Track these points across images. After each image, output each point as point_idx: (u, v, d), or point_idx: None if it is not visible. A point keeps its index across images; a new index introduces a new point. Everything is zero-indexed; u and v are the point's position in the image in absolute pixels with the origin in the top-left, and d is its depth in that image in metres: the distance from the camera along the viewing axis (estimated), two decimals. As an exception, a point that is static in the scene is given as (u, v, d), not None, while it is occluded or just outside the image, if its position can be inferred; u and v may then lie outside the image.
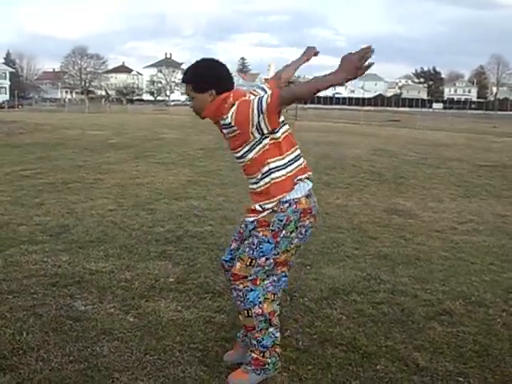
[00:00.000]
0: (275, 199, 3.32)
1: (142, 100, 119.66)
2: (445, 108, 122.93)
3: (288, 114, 53.26)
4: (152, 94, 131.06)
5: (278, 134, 3.32)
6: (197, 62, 3.48)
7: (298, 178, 3.37)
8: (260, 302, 3.39)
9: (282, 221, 3.31)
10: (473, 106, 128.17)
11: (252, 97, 3.37)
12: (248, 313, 3.40)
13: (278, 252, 3.37)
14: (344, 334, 4.18)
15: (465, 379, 3.59)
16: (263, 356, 3.45)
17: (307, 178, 3.45)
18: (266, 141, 3.29)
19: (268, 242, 3.33)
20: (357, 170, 14.04)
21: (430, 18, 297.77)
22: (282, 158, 3.35)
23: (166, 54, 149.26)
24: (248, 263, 3.36)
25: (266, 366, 3.46)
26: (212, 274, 5.41)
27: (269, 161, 3.32)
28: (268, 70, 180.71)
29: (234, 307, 4.55)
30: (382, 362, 3.78)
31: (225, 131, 3.37)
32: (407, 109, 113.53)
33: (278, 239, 3.33)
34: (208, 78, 3.40)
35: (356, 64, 2.87)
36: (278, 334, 3.52)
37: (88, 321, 4.26)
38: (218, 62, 3.49)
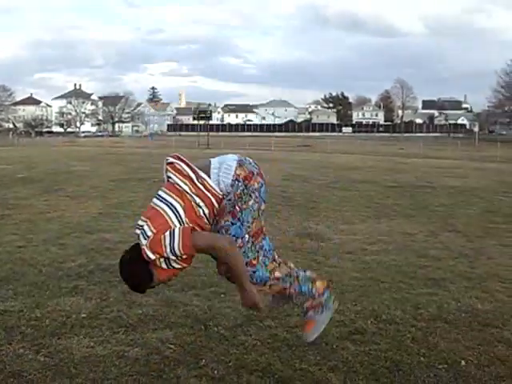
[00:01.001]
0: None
1: (51, 132, 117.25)
2: (354, 132, 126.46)
3: (200, 141, 53.42)
4: (62, 125, 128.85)
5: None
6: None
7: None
8: (268, 276, 3.52)
9: (230, 200, 3.38)
10: (380, 128, 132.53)
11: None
12: (269, 287, 3.56)
13: (248, 226, 3.41)
14: (259, 360, 4.20)
15: (377, 396, 3.67)
16: (313, 298, 3.66)
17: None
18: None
19: (231, 223, 3.38)
20: (269, 196, 14.14)
21: (337, 44, 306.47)
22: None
23: (75, 84, 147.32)
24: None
25: (323, 302, 3.69)
26: (125, 308, 5.32)
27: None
28: (179, 98, 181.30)
29: (147, 340, 4.53)
30: (297, 385, 3.81)
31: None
32: (318, 133, 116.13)
33: (238, 215, 3.38)
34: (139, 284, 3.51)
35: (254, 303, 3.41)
36: (307, 273, 3.81)
37: (-4, 363, 4.12)
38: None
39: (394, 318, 5.20)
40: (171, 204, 3.36)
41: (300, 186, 16.62)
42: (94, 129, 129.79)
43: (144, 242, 3.30)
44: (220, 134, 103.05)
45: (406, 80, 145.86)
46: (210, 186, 3.39)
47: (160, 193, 3.50)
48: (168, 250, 3.22)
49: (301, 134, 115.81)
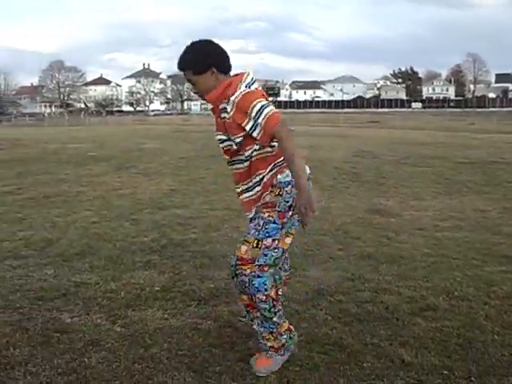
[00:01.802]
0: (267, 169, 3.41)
1: (121, 111, 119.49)
2: (424, 107, 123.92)
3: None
4: (131, 104, 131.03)
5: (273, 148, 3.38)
6: (189, 47, 3.46)
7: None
8: (265, 289, 3.39)
9: (288, 202, 3.35)
10: (451, 104, 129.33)
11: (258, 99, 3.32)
12: (252, 298, 3.43)
13: (282, 234, 3.40)
14: (330, 334, 4.22)
15: (449, 372, 3.64)
16: (276, 338, 3.52)
17: None
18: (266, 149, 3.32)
19: (274, 222, 3.35)
20: (338, 172, 14.12)
21: (406, 18, 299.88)
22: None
23: (143, 64, 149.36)
24: (254, 245, 3.36)
25: (285, 343, 3.54)
26: (197, 282, 5.42)
27: (260, 171, 3.39)
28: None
29: (220, 313, 4.62)
30: (368, 359, 3.82)
31: (222, 115, 3.38)
32: (387, 109, 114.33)
33: (285, 220, 3.36)
34: (205, 56, 3.40)
35: (308, 204, 3.16)
36: (282, 316, 3.58)
37: (75, 333, 4.27)
38: (208, 40, 3.51)
39: (466, 295, 5.12)
40: None
41: (369, 162, 16.47)
42: (162, 107, 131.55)
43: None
44: (288, 110, 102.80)
45: (479, 53, 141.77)
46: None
47: None
48: (251, 120, 3.25)
49: (369, 109, 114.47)
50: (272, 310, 3.45)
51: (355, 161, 16.92)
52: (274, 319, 3.49)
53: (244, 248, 3.40)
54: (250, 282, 3.37)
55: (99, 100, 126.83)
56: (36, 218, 8.57)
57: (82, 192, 11.17)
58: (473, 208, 9.40)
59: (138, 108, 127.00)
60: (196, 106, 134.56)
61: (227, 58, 3.49)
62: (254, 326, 3.64)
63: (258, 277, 3.37)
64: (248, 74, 3.49)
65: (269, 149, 3.40)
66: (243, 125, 3.26)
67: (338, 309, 4.74)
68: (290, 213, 3.37)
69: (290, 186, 3.35)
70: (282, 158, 3.35)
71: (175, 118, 73.81)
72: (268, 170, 3.42)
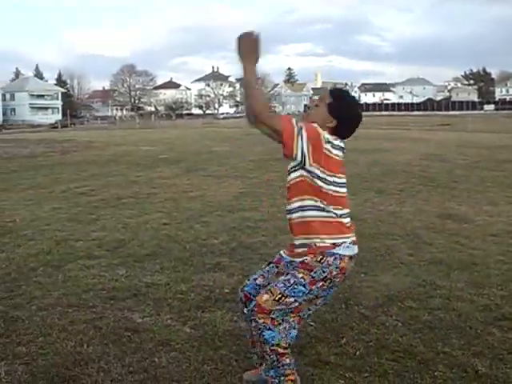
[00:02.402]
0: (315, 236, 3.29)
1: (191, 114, 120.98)
2: (497, 109, 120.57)
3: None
4: (201, 107, 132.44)
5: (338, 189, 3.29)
6: (350, 98, 3.51)
7: (349, 237, 3.38)
8: (273, 345, 3.30)
9: (324, 272, 3.27)
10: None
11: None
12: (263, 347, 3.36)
13: (305, 299, 3.31)
14: (400, 341, 4.16)
15: (526, 384, 3.54)
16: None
17: (354, 242, 3.42)
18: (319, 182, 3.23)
19: (304, 286, 3.27)
20: (408, 176, 13.91)
21: (477, 18, 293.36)
22: (325, 207, 3.29)
23: (213, 67, 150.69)
24: (277, 298, 3.27)
25: None
26: (266, 284, 5.43)
27: (307, 197, 3.30)
28: (315, 79, 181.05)
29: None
30: (440, 368, 3.75)
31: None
32: (457, 112, 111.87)
33: (313, 287, 3.28)
34: (349, 114, 3.40)
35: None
36: (291, 366, 3.42)
37: (146, 332, 4.35)
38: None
39: (543, 304, 4.97)
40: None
41: (440, 166, 16.16)
42: (232, 110, 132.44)
43: None
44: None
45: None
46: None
47: None
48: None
49: (440, 112, 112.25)
50: (275, 363, 3.36)
51: (425, 164, 16.63)
52: (279, 371, 3.39)
53: (265, 297, 3.30)
54: (261, 332, 3.31)
55: (169, 103, 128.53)
56: (108, 218, 8.77)
57: (153, 194, 11.37)
58: (550, 214, 9.11)
59: (208, 111, 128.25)
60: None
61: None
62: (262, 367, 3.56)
63: (269, 329, 3.29)
64: None
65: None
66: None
67: (408, 315, 4.67)
68: (321, 283, 3.29)
69: (332, 258, 3.27)
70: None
71: (244, 121, 74.19)
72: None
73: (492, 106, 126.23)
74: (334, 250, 3.27)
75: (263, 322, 3.28)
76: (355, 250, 3.41)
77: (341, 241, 3.30)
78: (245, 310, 3.55)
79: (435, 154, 20.28)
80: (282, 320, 3.32)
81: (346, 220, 3.36)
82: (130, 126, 60.70)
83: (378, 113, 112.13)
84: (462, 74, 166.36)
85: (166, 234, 7.67)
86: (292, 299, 3.27)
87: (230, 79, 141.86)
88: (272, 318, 3.28)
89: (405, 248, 6.86)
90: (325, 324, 4.48)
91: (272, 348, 3.30)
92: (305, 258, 3.30)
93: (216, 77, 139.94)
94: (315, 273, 3.26)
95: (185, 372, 3.71)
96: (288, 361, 3.36)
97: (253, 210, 9.45)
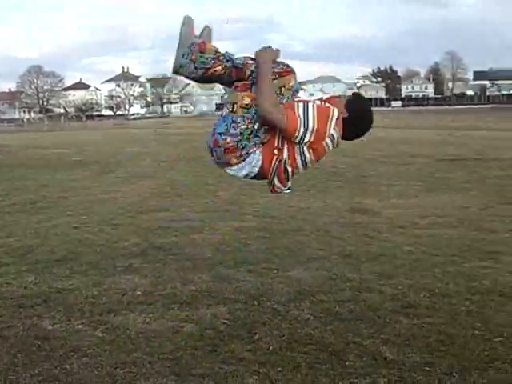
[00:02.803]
0: None
1: (101, 115, 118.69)
2: (403, 105, 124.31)
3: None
4: (111, 108, 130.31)
5: None
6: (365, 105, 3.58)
7: None
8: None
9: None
10: (430, 101, 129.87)
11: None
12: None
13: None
14: (312, 334, 4.23)
15: (431, 368, 3.67)
16: None
17: None
18: None
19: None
20: (319, 172, 14.09)
21: (384, 18, 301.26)
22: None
23: (123, 67, 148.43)
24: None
25: None
26: (179, 285, 5.42)
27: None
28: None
29: (202, 316, 4.62)
30: (351, 358, 3.84)
31: None
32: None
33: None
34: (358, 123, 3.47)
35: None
36: None
37: (56, 339, 4.24)
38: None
39: (447, 291, 5.17)
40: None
41: (350, 161, 16.50)
42: (143, 111, 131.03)
43: None
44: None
45: (456, 51, 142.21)
46: None
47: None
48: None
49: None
50: None
51: (335, 160, 16.89)
52: None
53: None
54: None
55: (79, 105, 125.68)
56: (17, 224, 8.50)
57: (64, 197, 11.09)
58: (453, 205, 9.47)
59: (118, 112, 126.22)
60: (176, 108, 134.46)
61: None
62: None
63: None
64: None
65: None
66: None
67: (320, 308, 4.76)
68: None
69: None
70: None
71: (155, 121, 73.61)
72: None
73: (399, 103, 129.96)
74: None
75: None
76: None
77: None
78: None
79: (345, 149, 20.57)
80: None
81: None
82: (39, 129, 59.01)
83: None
84: (371, 71, 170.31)
85: (76, 238, 7.50)
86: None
87: (141, 79, 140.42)
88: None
89: (315, 243, 6.97)
90: (237, 321, 4.50)
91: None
92: None
93: (126, 77, 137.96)
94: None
95: (97, 377, 3.65)
96: None
97: (164, 210, 9.37)
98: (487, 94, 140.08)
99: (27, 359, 3.92)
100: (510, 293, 5.11)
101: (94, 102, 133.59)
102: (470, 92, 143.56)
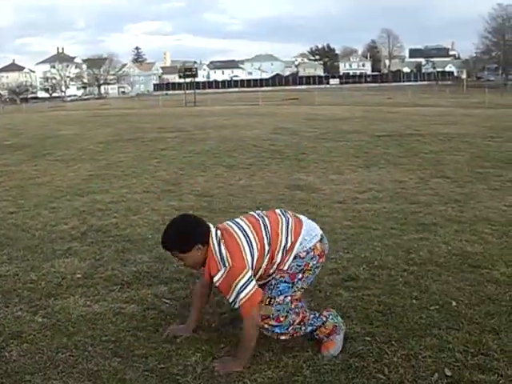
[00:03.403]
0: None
1: (37, 98, 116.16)
2: (341, 83, 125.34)
3: (187, 99, 53.00)
4: (47, 90, 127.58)
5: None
6: (170, 227, 3.63)
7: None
8: (287, 328, 3.56)
9: (300, 266, 3.53)
10: (368, 79, 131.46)
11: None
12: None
13: (295, 290, 3.55)
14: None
15: (372, 338, 3.76)
16: (324, 325, 3.66)
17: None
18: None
19: (285, 282, 3.52)
20: (258, 150, 14.17)
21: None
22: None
23: (57, 48, 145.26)
24: (267, 302, 3.49)
25: (335, 324, 3.69)
26: (119, 266, 5.38)
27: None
28: (164, 57, 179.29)
29: (143, 296, 4.60)
30: (292, 332, 3.87)
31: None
32: (305, 86, 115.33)
33: (295, 280, 3.53)
34: (189, 235, 3.52)
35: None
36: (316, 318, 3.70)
37: (-6, 326, 4.16)
38: (184, 216, 3.88)
39: (385, 263, 5.28)
40: (251, 243, 3.52)
41: (289, 139, 16.59)
42: (79, 92, 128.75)
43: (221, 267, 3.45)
44: (207, 91, 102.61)
45: (393, 29, 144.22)
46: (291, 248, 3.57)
47: (243, 224, 3.64)
48: (233, 295, 3.42)
49: (288, 87, 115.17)
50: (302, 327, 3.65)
51: (274, 138, 17.01)
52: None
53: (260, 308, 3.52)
54: (272, 332, 3.56)
55: (12, 87, 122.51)
56: (-51, 211, 8.26)
57: (-2, 182, 10.83)
58: (390, 179, 9.65)
59: (54, 94, 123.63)
60: (114, 89, 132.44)
61: (204, 227, 3.61)
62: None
63: (277, 326, 3.53)
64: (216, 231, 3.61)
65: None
66: (227, 297, 3.49)
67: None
68: (301, 275, 3.55)
69: (304, 253, 3.54)
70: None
71: (92, 103, 72.47)
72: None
73: (337, 80, 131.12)
74: (301, 245, 3.57)
75: (269, 326, 3.53)
76: (317, 231, 3.70)
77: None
78: None
79: (284, 127, 20.78)
80: (287, 313, 3.53)
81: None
82: (-30, 113, 57.38)
83: (228, 90, 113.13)
84: (309, 50, 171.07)
85: (12, 222, 7.34)
86: (282, 297, 3.51)
87: (76, 60, 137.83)
88: (274, 318, 3.50)
89: (256, 220, 6.98)
90: (178, 300, 4.50)
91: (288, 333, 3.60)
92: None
93: (61, 58, 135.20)
94: (291, 269, 3.52)
95: (38, 363, 3.59)
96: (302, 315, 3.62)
97: (103, 192, 9.25)
98: (422, 71, 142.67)
99: (-36, 348, 3.83)
100: (445, 263, 5.27)
101: (28, 84, 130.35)
102: (406, 69, 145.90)
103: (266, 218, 3.68)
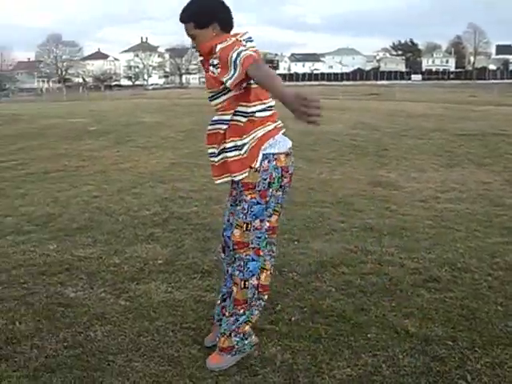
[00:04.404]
0: (249, 135, 3.32)
1: (120, 85, 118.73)
2: (423, 79, 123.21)
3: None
4: (130, 78, 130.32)
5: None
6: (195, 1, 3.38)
7: (276, 130, 3.42)
8: (258, 274, 3.43)
9: (266, 179, 3.32)
10: (451, 76, 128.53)
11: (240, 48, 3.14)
12: (245, 284, 3.41)
13: (269, 213, 3.42)
14: (334, 306, 4.23)
15: (454, 343, 3.66)
16: (230, 336, 3.44)
17: (285, 135, 3.48)
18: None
19: (258, 203, 3.34)
20: (339, 145, 14.07)
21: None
22: (258, 104, 3.34)
23: (141, 38, 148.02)
24: (245, 228, 3.36)
25: (236, 347, 3.46)
26: (200, 254, 5.44)
27: (242, 104, 3.31)
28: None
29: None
30: (373, 330, 3.83)
31: (211, 69, 3.25)
32: (386, 81, 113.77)
33: (267, 198, 3.36)
34: (209, 10, 3.31)
35: (301, 104, 2.80)
36: (256, 313, 3.56)
37: (79, 307, 4.28)
38: None
39: (469, 266, 5.14)
40: None
41: (370, 135, 16.40)
42: (161, 81, 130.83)
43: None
44: (287, 83, 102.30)
45: (479, 24, 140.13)
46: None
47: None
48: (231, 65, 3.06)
49: (369, 82, 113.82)
50: (252, 299, 3.46)
51: (355, 133, 16.85)
52: (247, 312, 3.47)
53: (237, 232, 3.40)
54: (245, 265, 3.39)
55: (97, 74, 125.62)
56: (37, 193, 8.56)
57: (82, 167, 11.15)
58: (474, 180, 9.39)
59: (137, 82, 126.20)
60: (195, 79, 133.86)
61: (230, 14, 3.38)
62: (221, 323, 3.58)
63: (253, 260, 3.39)
64: (246, 33, 3.40)
65: (242, 119, 3.34)
66: (225, 78, 3.12)
67: (341, 281, 4.75)
68: (271, 190, 3.35)
69: (266, 162, 3.31)
70: (257, 130, 3.34)
71: (174, 92, 73.46)
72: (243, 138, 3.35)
73: (419, 76, 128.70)
74: (264, 152, 3.31)
75: (246, 255, 3.38)
76: (287, 144, 3.46)
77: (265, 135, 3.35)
78: (222, 256, 3.67)
79: (365, 122, 20.56)
80: (266, 244, 3.46)
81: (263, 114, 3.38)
82: (58, 98, 59.20)
83: (308, 83, 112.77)
84: (391, 44, 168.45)
85: (96, 206, 7.54)
86: (257, 221, 3.36)
87: (159, 50, 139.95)
88: (253, 248, 3.38)
89: (336, 215, 6.95)
90: (259, 290, 4.51)
91: (258, 277, 3.44)
92: (243, 174, 3.33)
93: (145, 47, 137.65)
94: (259, 186, 3.32)
95: (120, 345, 3.68)
96: (260, 301, 3.54)
97: (185, 180, 9.38)
98: (510, 68, 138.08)
99: (51, 325, 3.96)
100: (532, 269, 5.08)
101: (112, 72, 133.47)
102: (492, 66, 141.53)
103: None
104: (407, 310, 4.16)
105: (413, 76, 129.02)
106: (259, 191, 3.32)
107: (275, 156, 3.33)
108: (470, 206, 7.46)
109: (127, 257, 5.44)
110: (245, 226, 3.36)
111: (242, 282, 3.41)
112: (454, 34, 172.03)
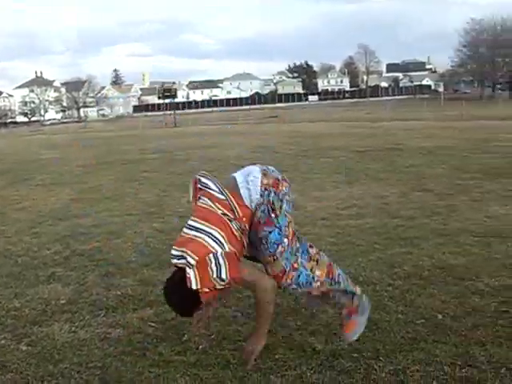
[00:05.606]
0: None
1: (15, 122, 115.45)
2: (320, 99, 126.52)
3: (167, 120, 52.96)
4: (26, 115, 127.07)
5: None
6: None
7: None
8: (313, 278, 3.59)
9: (264, 210, 3.45)
10: (346, 95, 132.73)
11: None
12: (317, 287, 3.64)
13: (285, 230, 3.50)
14: (240, 331, 4.25)
15: (359, 354, 3.75)
16: (352, 299, 3.78)
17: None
18: None
19: (270, 232, 3.45)
20: (237, 169, 14.13)
21: (296, 14, 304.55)
22: None
23: (36, 72, 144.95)
24: (272, 260, 3.48)
25: (360, 303, 3.82)
26: (103, 290, 5.33)
27: None
28: (143, 79, 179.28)
29: (129, 320, 4.55)
30: (281, 351, 3.87)
31: None
32: (284, 104, 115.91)
33: (275, 222, 3.46)
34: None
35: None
36: (345, 278, 3.83)
37: (-22, 356, 4.11)
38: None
39: (370, 278, 5.28)
40: (207, 232, 3.37)
41: (270, 157, 16.58)
42: (58, 116, 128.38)
43: (189, 270, 3.25)
44: (186, 111, 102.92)
45: (369, 45, 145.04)
46: (243, 204, 3.49)
47: (191, 222, 3.51)
48: (215, 275, 3.19)
49: (267, 105, 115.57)
50: (331, 280, 3.70)
51: (255, 157, 16.99)
52: (339, 282, 3.74)
53: (269, 268, 3.53)
54: (299, 284, 3.57)
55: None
56: None
57: (-22, 209, 10.73)
58: (373, 195, 9.68)
59: (33, 118, 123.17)
60: (93, 112, 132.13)
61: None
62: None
63: (299, 276, 3.55)
64: None
65: None
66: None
67: (247, 305, 4.76)
68: (273, 215, 3.48)
69: (258, 196, 3.50)
70: None
71: (72, 126, 72.16)
72: None
73: (316, 97, 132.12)
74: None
75: (291, 278, 3.55)
76: (255, 172, 3.71)
77: None
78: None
79: (264, 145, 20.83)
80: (295, 254, 3.56)
81: None
82: (-51, 140, 56.95)
83: (207, 109, 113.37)
84: (287, 67, 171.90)
85: (-6, 249, 7.28)
86: (279, 247, 3.48)
87: (55, 84, 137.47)
88: (288, 268, 3.52)
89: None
90: (165, 323, 4.46)
91: (316, 280, 3.63)
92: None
93: (40, 82, 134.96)
94: (262, 218, 3.47)
95: (23, 392, 3.55)
96: (337, 272, 3.80)
97: (85, 216, 9.19)
98: (400, 85, 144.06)
99: None
100: (429, 276, 5.28)
101: (7, 108, 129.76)
102: (383, 84, 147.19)
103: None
104: (313, 328, 4.23)
105: (310, 97, 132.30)
106: (265, 223, 3.46)
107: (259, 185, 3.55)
108: (369, 220, 7.68)
109: (28, 299, 5.26)
110: (272, 258, 3.49)
111: (315, 292, 3.67)
112: (346, 55, 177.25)
